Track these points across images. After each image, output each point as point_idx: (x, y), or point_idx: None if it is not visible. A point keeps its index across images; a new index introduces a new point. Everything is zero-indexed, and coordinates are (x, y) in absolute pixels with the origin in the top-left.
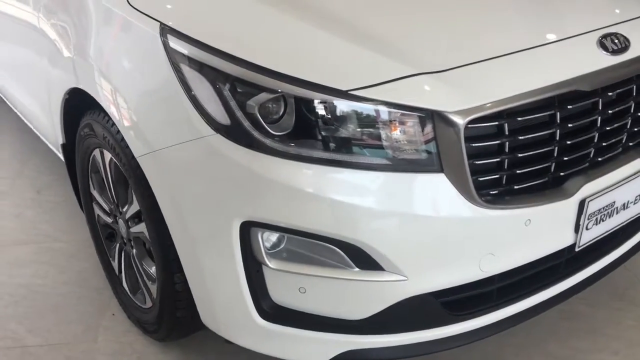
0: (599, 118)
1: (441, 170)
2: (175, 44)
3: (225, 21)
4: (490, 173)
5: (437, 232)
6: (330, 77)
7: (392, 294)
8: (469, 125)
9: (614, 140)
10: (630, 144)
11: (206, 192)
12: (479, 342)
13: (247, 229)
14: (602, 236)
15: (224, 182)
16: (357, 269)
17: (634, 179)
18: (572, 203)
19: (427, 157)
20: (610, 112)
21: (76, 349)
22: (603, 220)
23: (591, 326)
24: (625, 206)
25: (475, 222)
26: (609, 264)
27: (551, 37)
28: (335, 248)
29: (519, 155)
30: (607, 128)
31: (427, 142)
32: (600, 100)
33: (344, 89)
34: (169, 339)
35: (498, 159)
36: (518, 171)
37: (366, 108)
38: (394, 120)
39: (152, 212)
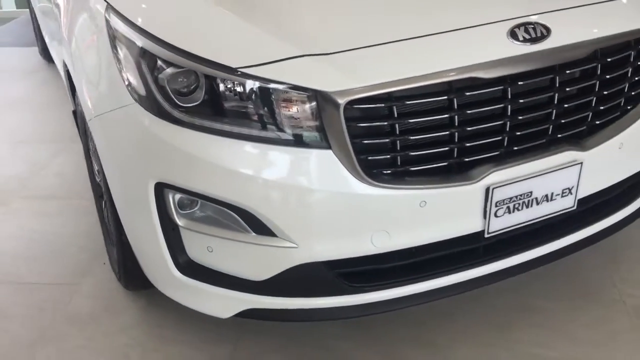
0: (509, 107)
1: (329, 148)
2: (113, 21)
3: (155, 5)
4: (381, 153)
5: (325, 205)
6: (225, 55)
7: (285, 259)
8: (353, 106)
9: (533, 130)
10: (560, 135)
11: (130, 155)
12: (416, 324)
13: (161, 190)
14: (521, 225)
15: (141, 146)
16: (253, 234)
17: (560, 170)
18: (477, 189)
19: (315, 135)
20: (522, 101)
21: (61, 289)
22: (518, 209)
23: (541, 320)
24: (549, 198)
25: (364, 198)
26: (537, 257)
27: (456, 24)
28: (233, 213)
29: (411, 137)
30: (520, 117)
31: (313, 120)
32: (509, 89)
33: (234, 66)
34: (133, 288)
35: (388, 140)
36: (412, 153)
37: (257, 85)
38: (282, 98)
39: (102, 172)
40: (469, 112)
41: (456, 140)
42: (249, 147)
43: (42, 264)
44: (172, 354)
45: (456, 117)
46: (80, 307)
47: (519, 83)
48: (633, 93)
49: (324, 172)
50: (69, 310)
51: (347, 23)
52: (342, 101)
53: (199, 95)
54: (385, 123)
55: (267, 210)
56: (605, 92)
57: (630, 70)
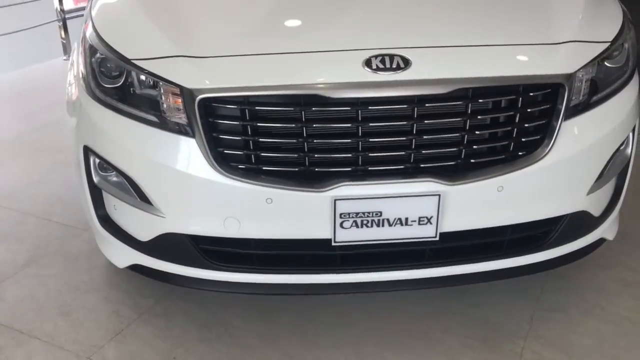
0: (360, 128)
1: (193, 136)
2: (87, 26)
3: (110, 13)
4: (234, 149)
5: (186, 186)
6: (128, 48)
7: (158, 226)
8: (210, 104)
9: (389, 154)
10: (423, 165)
11: (75, 121)
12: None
13: (87, 153)
14: (375, 242)
15: (79, 115)
16: (138, 199)
17: (416, 197)
18: (325, 198)
19: (183, 123)
20: (373, 125)
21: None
22: (367, 226)
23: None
24: (403, 222)
25: (216, 186)
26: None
27: (317, 47)
28: (124, 180)
29: (262, 140)
30: (374, 140)
31: (183, 112)
32: (360, 111)
33: (128, 57)
34: None
35: (240, 139)
36: (263, 154)
37: (145, 76)
38: (161, 88)
39: None
40: (316, 126)
41: (306, 150)
42: (138, 126)
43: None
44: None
45: (304, 129)
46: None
47: (369, 107)
48: (523, 139)
49: (187, 157)
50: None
51: (229, 34)
52: (197, 97)
53: (119, 80)
54: (238, 123)
55: (144, 181)
56: (477, 132)
57: (513, 116)
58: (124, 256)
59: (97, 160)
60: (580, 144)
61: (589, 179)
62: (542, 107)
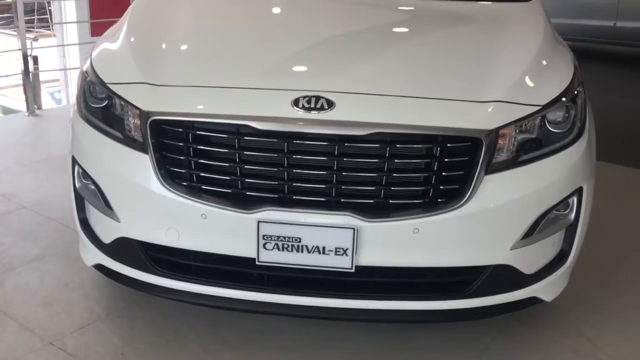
0: (286, 160)
1: (146, 153)
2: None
3: (107, 46)
4: (176, 167)
5: (138, 196)
6: (107, 73)
7: (114, 230)
8: (161, 126)
9: (311, 186)
10: (343, 200)
11: (70, 135)
12: None
13: (73, 163)
14: (294, 266)
15: (71, 130)
16: (103, 205)
17: (333, 228)
18: (251, 219)
19: (140, 141)
20: (297, 157)
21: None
22: (288, 250)
23: None
24: (321, 250)
25: (160, 198)
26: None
27: (257, 85)
28: (94, 187)
29: (200, 162)
30: (297, 172)
31: (140, 130)
32: (286, 144)
33: (105, 81)
34: None
35: (183, 158)
36: (201, 174)
37: (114, 96)
38: (126, 109)
39: None
40: (248, 153)
41: (238, 174)
42: (107, 142)
43: None
44: None
45: (237, 155)
46: None
47: (294, 141)
48: (441, 187)
49: (140, 171)
50: None
51: (185, 67)
52: (149, 119)
53: (103, 102)
54: (182, 145)
55: (107, 189)
56: (395, 175)
57: (431, 163)
58: (91, 256)
59: (79, 170)
60: (501, 199)
61: (511, 234)
62: (460, 159)
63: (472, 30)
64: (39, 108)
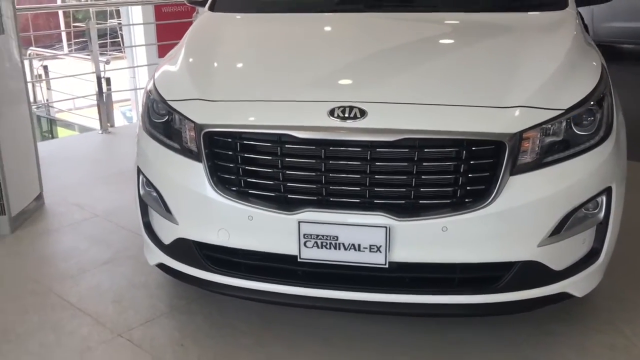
0: (323, 165)
1: (200, 162)
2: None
3: (167, 67)
4: (227, 174)
5: (193, 201)
6: (167, 91)
7: (174, 232)
8: (213, 137)
9: (347, 189)
10: (376, 201)
11: (136, 149)
12: None
13: (138, 172)
14: (333, 262)
15: (137, 144)
16: (164, 210)
17: (367, 227)
18: (292, 220)
19: (195, 151)
20: (333, 162)
21: None
22: (327, 247)
23: None
24: (356, 248)
25: (213, 203)
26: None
27: (296, 97)
28: (156, 193)
29: (248, 168)
30: (334, 176)
31: (195, 142)
32: (324, 151)
33: (166, 98)
34: None
35: (232, 166)
36: (249, 180)
37: (173, 111)
38: (182, 123)
39: None
40: (289, 160)
41: (281, 179)
42: (167, 152)
43: None
44: None
45: (280, 162)
46: None
47: (331, 148)
48: (468, 188)
49: (195, 178)
50: None
51: (235, 83)
52: (202, 131)
53: (164, 117)
54: (231, 153)
55: (166, 195)
56: (424, 177)
57: (458, 166)
58: (154, 256)
59: (143, 178)
60: (526, 199)
61: (538, 232)
62: (485, 162)
63: (503, 40)
64: (112, 126)
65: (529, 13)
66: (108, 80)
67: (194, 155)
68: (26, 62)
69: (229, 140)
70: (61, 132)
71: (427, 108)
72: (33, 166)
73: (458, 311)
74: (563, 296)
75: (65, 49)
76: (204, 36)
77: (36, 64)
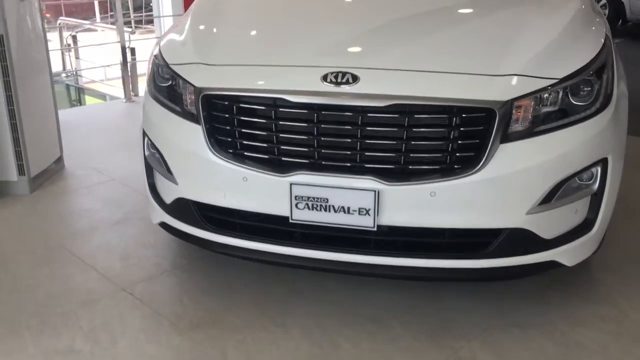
0: (315, 129)
1: (199, 124)
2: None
3: (172, 32)
4: (224, 136)
5: (192, 161)
6: (171, 55)
7: (173, 192)
8: (211, 100)
9: (338, 152)
10: (366, 165)
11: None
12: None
13: (143, 135)
14: (322, 224)
15: (143, 108)
16: (165, 170)
17: (357, 191)
18: (284, 182)
19: (194, 114)
20: (324, 126)
21: None
22: (317, 209)
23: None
24: (346, 210)
25: (210, 164)
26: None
27: (291, 62)
28: (158, 154)
29: (244, 131)
30: (326, 139)
31: (195, 105)
32: (316, 115)
33: (168, 62)
34: None
35: (228, 128)
36: (244, 142)
37: (175, 75)
38: (183, 86)
39: None
40: (283, 123)
41: (275, 142)
42: (169, 115)
43: None
44: None
45: (274, 125)
46: None
47: (323, 112)
48: (457, 154)
49: (194, 140)
50: None
51: (233, 49)
52: (201, 94)
53: (168, 81)
54: (228, 116)
55: (166, 155)
56: (414, 143)
57: (448, 132)
58: (157, 215)
59: (148, 141)
60: (515, 167)
61: (527, 200)
62: (475, 129)
63: (503, 10)
64: (136, 95)
65: None
66: (133, 50)
67: (194, 118)
68: (56, 33)
69: (226, 103)
70: (89, 100)
71: (419, 74)
72: (54, 131)
73: (445, 275)
74: (552, 265)
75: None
76: (208, 6)
77: (66, 34)
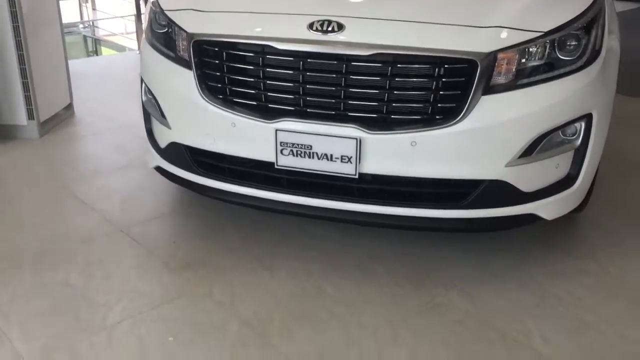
0: (301, 76)
1: (191, 70)
2: None
3: None
4: (214, 82)
5: (184, 106)
6: (166, 3)
7: (168, 136)
8: (202, 46)
9: (323, 100)
10: (349, 113)
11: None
12: None
13: (141, 81)
14: (307, 170)
15: (140, 55)
16: (160, 115)
17: (340, 138)
18: (270, 128)
19: (187, 59)
20: (310, 74)
21: None
22: (301, 156)
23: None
24: (329, 157)
25: (201, 109)
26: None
27: (278, 10)
28: (153, 99)
29: (233, 77)
30: (311, 87)
31: (187, 50)
32: (302, 62)
33: (163, 8)
34: None
35: (219, 74)
36: (233, 88)
37: (168, 20)
38: (176, 32)
39: None
40: (270, 70)
41: (262, 89)
42: (163, 61)
43: None
44: None
45: (261, 72)
46: None
47: (308, 60)
48: (439, 105)
49: (186, 85)
50: None
51: None
52: (192, 40)
53: (165, 28)
54: (217, 62)
55: (160, 100)
56: (396, 92)
57: (430, 83)
58: (153, 159)
59: (145, 86)
60: (496, 119)
61: (507, 152)
62: (457, 80)
63: None
64: None
65: None
66: (146, 2)
67: (186, 64)
68: None
69: (216, 49)
70: (105, 51)
71: (403, 24)
72: (64, 78)
73: (425, 224)
74: (532, 218)
75: None
76: None
77: None
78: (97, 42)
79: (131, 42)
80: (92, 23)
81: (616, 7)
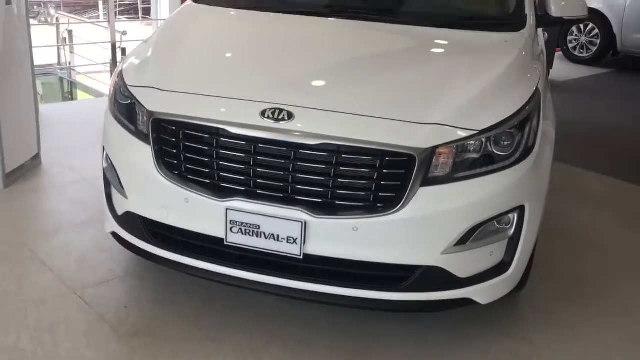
0: (252, 160)
1: (149, 145)
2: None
3: (135, 53)
4: (170, 159)
5: (142, 179)
6: (130, 77)
7: (124, 205)
8: (160, 124)
9: (272, 183)
10: (296, 197)
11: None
12: None
13: (103, 148)
14: (255, 249)
15: (104, 123)
16: (118, 184)
17: (286, 221)
18: (222, 206)
19: (146, 134)
20: (260, 158)
21: None
22: (250, 235)
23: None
24: (276, 238)
25: (156, 183)
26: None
27: (235, 95)
28: (112, 168)
29: (187, 156)
30: (261, 170)
31: (145, 125)
32: (253, 147)
33: (127, 83)
34: None
35: (175, 152)
36: (187, 166)
37: (130, 96)
38: (138, 107)
39: None
40: (222, 152)
41: (215, 168)
42: (124, 133)
43: None
44: None
45: (215, 152)
46: None
47: (260, 145)
48: (380, 194)
49: (144, 159)
50: None
51: (184, 76)
52: (151, 117)
53: (128, 100)
54: (174, 140)
55: (119, 170)
56: (340, 180)
57: (372, 173)
58: (109, 225)
59: (106, 153)
60: (433, 209)
61: (442, 240)
62: (397, 172)
63: (443, 59)
64: None
65: (483, 33)
66: (124, 51)
67: (145, 138)
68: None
69: (173, 128)
70: (81, 95)
71: (349, 117)
72: (32, 127)
73: (364, 304)
74: (467, 301)
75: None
76: (176, 27)
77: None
78: (73, 84)
79: (106, 87)
80: (69, 64)
81: (583, 72)
